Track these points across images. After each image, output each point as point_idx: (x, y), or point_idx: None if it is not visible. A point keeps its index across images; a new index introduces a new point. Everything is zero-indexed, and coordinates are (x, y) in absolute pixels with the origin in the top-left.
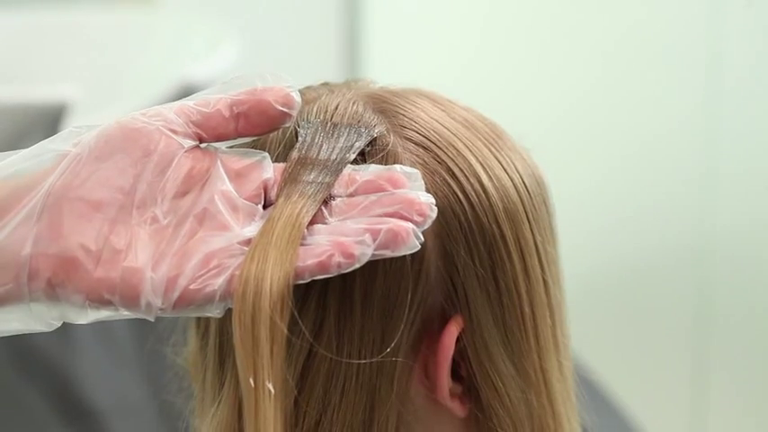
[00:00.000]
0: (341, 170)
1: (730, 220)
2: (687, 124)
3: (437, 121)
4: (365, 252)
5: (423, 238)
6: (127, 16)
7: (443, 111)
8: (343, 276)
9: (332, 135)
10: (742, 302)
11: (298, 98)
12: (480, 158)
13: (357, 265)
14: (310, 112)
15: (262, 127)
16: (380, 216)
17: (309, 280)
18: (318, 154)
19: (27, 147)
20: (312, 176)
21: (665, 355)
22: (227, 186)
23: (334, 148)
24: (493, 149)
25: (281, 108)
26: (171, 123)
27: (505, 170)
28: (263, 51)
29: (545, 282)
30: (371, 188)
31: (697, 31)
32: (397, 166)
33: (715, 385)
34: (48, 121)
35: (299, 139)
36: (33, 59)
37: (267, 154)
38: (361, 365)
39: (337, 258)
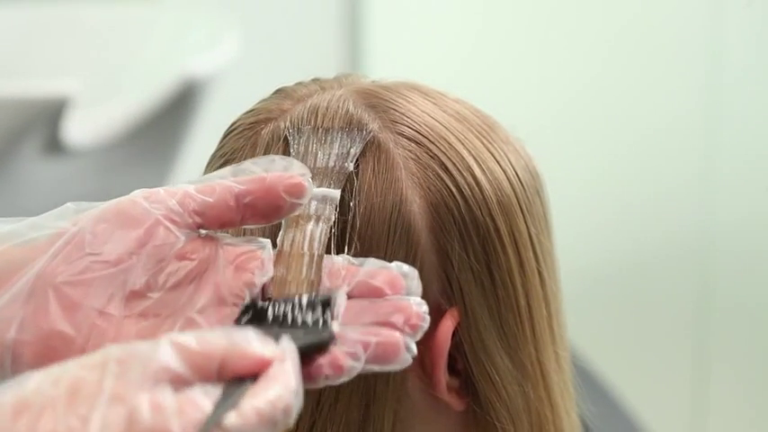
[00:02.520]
0: (342, 181)
1: (730, 214)
2: (688, 118)
3: (429, 114)
4: (354, 366)
5: (416, 352)
6: (128, 10)
7: (435, 104)
8: None
9: (325, 141)
10: (742, 296)
11: (309, 186)
12: (473, 151)
13: (344, 379)
14: (302, 113)
15: (269, 217)
16: (373, 323)
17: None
18: (315, 163)
19: (28, 141)
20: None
21: (666, 348)
22: (222, 286)
23: (330, 155)
24: (485, 142)
25: (291, 200)
26: (171, 213)
27: (498, 163)
28: (264, 46)
29: (540, 273)
30: (368, 292)
31: (697, 26)
32: (395, 264)
33: (715, 379)
34: (48, 115)
35: (292, 151)
36: (34, 54)
37: (268, 243)
38: None
39: (326, 371)
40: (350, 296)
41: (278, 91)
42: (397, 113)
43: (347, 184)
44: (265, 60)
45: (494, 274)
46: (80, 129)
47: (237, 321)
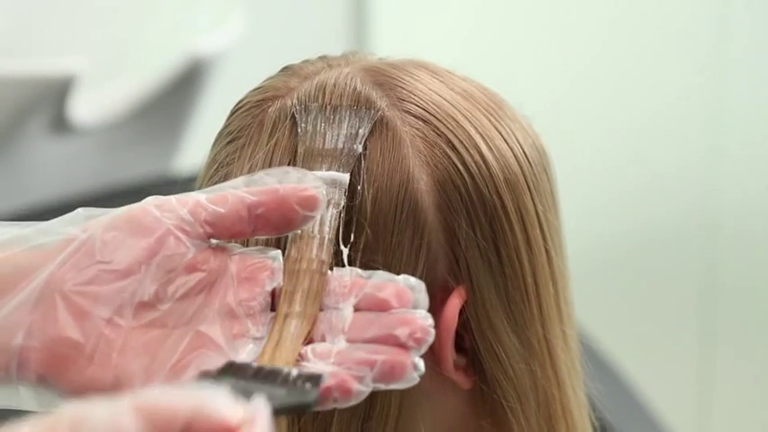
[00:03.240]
0: (351, 164)
1: (736, 194)
2: (694, 96)
3: (436, 92)
4: (362, 390)
5: (423, 370)
6: None
7: (442, 82)
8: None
9: (333, 120)
10: (748, 276)
11: (322, 198)
12: (480, 129)
13: (352, 402)
14: (309, 91)
15: (280, 229)
16: (378, 336)
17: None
18: (324, 144)
19: (34, 120)
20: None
21: (672, 328)
22: (231, 298)
23: (338, 136)
24: (492, 120)
25: (304, 212)
26: (182, 222)
27: (505, 140)
28: (271, 24)
29: (547, 251)
30: (375, 304)
31: (702, 4)
32: (402, 277)
33: (722, 358)
34: (54, 94)
35: (299, 130)
36: (40, 32)
37: (279, 254)
38: None
39: (335, 394)
40: (356, 309)
41: (285, 68)
42: (405, 91)
43: (355, 165)
44: (272, 39)
45: (501, 251)
46: (86, 107)
47: (217, 373)
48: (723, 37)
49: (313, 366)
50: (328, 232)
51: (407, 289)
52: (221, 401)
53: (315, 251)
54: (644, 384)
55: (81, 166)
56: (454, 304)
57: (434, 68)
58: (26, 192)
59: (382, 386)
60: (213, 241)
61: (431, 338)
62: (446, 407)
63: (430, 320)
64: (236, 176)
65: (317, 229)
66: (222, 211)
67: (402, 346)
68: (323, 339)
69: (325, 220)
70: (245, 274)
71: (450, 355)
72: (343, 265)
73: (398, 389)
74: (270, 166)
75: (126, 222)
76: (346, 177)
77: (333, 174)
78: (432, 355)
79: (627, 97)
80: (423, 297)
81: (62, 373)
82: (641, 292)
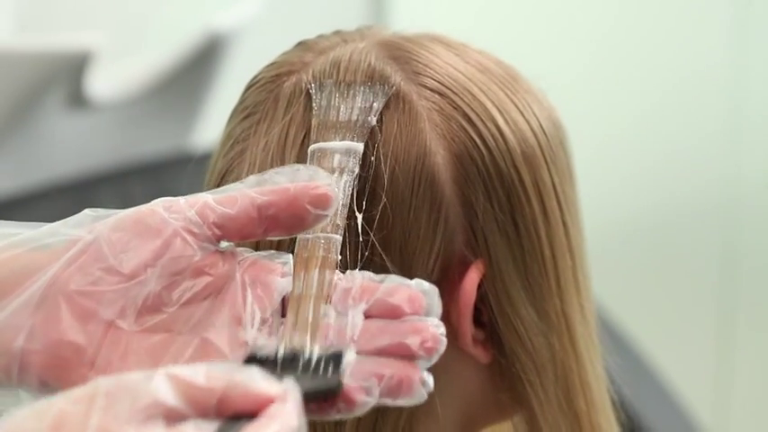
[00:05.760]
0: (365, 134)
1: (757, 169)
2: (714, 70)
3: (452, 66)
4: (368, 401)
5: (432, 387)
6: None
7: (458, 55)
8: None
9: (347, 95)
10: (767, 252)
11: (335, 197)
12: (496, 102)
13: (357, 413)
14: (324, 66)
15: (292, 229)
16: (389, 345)
17: None
18: (338, 117)
19: (51, 95)
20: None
21: (691, 303)
22: (239, 304)
23: (352, 109)
24: (509, 93)
25: (316, 211)
26: (190, 224)
27: (522, 113)
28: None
29: (564, 224)
30: (387, 310)
31: None
32: (415, 281)
33: (740, 332)
34: (72, 69)
35: (315, 106)
36: (58, 7)
37: (290, 258)
38: None
39: (339, 405)
40: (368, 315)
41: (300, 44)
42: (420, 65)
43: (370, 139)
44: (289, 15)
45: (518, 224)
46: (103, 83)
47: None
48: (742, 11)
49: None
50: (342, 198)
51: (420, 294)
52: (258, 376)
53: (329, 218)
54: (662, 360)
55: (98, 142)
56: (472, 278)
57: (450, 42)
58: (43, 167)
59: (389, 401)
60: (223, 244)
61: (442, 348)
62: (464, 381)
63: (442, 329)
64: (251, 152)
65: None
66: (231, 212)
67: (412, 355)
68: (331, 345)
69: (339, 186)
70: (255, 279)
71: (468, 329)
72: (357, 231)
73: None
74: (285, 141)
75: (133, 223)
76: (360, 146)
77: (347, 143)
78: (450, 330)
79: (645, 69)
80: (436, 302)
81: (64, 377)
82: (660, 267)
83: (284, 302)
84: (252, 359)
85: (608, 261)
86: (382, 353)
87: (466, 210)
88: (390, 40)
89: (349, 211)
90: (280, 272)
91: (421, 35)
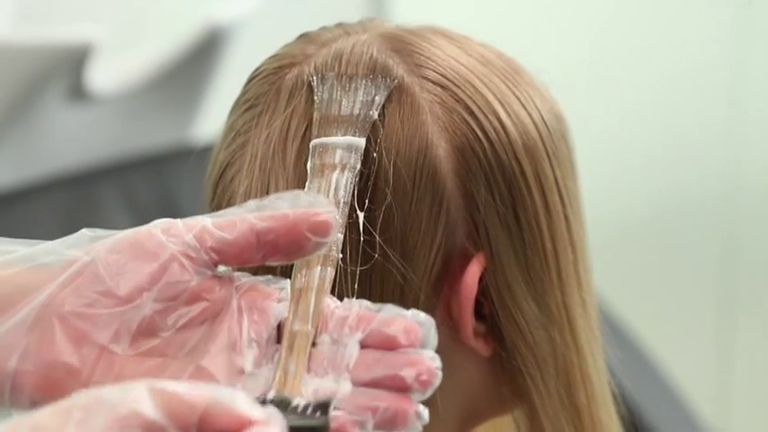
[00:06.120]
0: (367, 129)
1: (759, 159)
2: (715, 61)
3: (454, 58)
4: None
5: (426, 420)
6: None
7: (460, 48)
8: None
9: (349, 89)
10: None
11: (336, 224)
12: (498, 95)
13: None
14: (326, 59)
15: (291, 255)
16: (383, 377)
17: None
18: (339, 111)
19: (51, 88)
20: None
21: (692, 295)
22: (236, 330)
23: (354, 102)
24: (510, 85)
25: (316, 239)
26: (188, 248)
27: (524, 106)
28: None
29: (566, 217)
30: (382, 340)
31: None
32: (411, 312)
33: (741, 324)
34: (72, 62)
35: (316, 98)
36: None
37: (288, 284)
38: None
39: None
40: (363, 345)
41: (302, 36)
42: (422, 57)
43: (372, 133)
44: (290, 7)
45: (520, 217)
46: (104, 76)
47: None
48: (743, 3)
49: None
50: (344, 196)
51: (416, 325)
52: (242, 398)
53: None
54: (662, 352)
55: (98, 135)
56: (474, 271)
57: (452, 34)
58: (43, 160)
59: None
60: (221, 268)
61: (437, 381)
62: (465, 374)
63: (438, 362)
64: (253, 144)
65: (331, 193)
66: (229, 237)
67: (407, 387)
68: (326, 373)
69: (341, 184)
70: (252, 305)
71: (469, 322)
72: (358, 228)
73: None
74: (287, 133)
75: (130, 246)
76: (362, 141)
77: (348, 138)
78: (451, 322)
79: (645, 61)
80: (432, 334)
81: (56, 398)
82: (660, 260)
83: (279, 329)
84: None
85: (607, 253)
86: (377, 384)
87: (467, 202)
88: (393, 33)
89: (350, 208)
90: (276, 297)
91: (423, 28)
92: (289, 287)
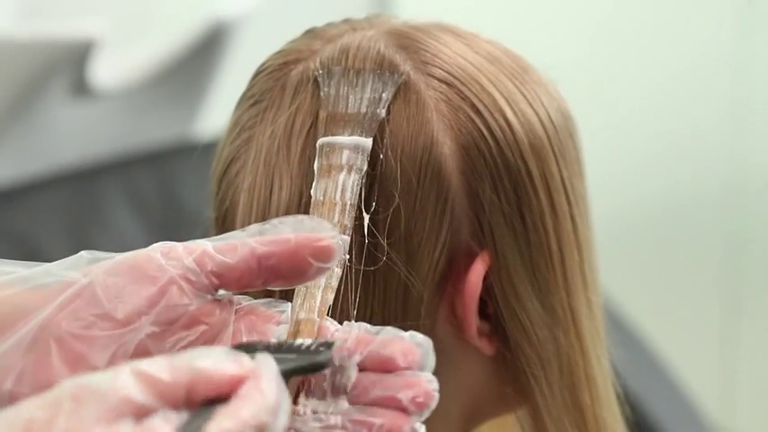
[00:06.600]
0: (374, 128)
1: (764, 154)
2: (719, 56)
3: (460, 55)
4: None
5: None
6: None
7: (467, 45)
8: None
9: (356, 84)
10: None
11: (338, 248)
12: (504, 93)
13: None
14: (332, 54)
15: (293, 280)
16: (380, 398)
17: None
18: (347, 108)
19: (54, 83)
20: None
21: (696, 292)
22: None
23: (361, 100)
24: (517, 83)
25: (318, 264)
26: (187, 272)
27: (530, 104)
28: None
29: (572, 217)
30: (381, 362)
31: None
32: (409, 334)
33: (745, 322)
34: (75, 57)
35: (322, 94)
36: None
37: (288, 307)
38: (386, 306)
39: None
40: (362, 368)
41: (308, 31)
42: (429, 54)
43: (378, 130)
44: (292, 3)
45: (525, 217)
46: (107, 71)
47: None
48: None
49: (308, 429)
50: (350, 198)
51: (414, 347)
52: (221, 358)
53: (337, 216)
54: (667, 350)
55: (101, 131)
56: (478, 270)
57: (459, 31)
58: (46, 155)
59: None
60: (221, 292)
61: (434, 404)
62: (469, 373)
63: (435, 384)
64: (258, 140)
65: (338, 195)
66: (230, 261)
67: (404, 409)
68: (323, 395)
69: (347, 185)
70: (252, 328)
71: (473, 321)
72: (363, 231)
73: None
74: (292, 129)
75: (129, 269)
76: (369, 142)
77: (356, 139)
78: (455, 321)
79: (651, 58)
80: (430, 356)
81: None
82: (664, 256)
83: None
84: (242, 346)
85: (611, 251)
86: (374, 405)
87: (472, 201)
88: (399, 29)
89: (357, 210)
90: (276, 320)
91: (430, 24)
92: (289, 310)
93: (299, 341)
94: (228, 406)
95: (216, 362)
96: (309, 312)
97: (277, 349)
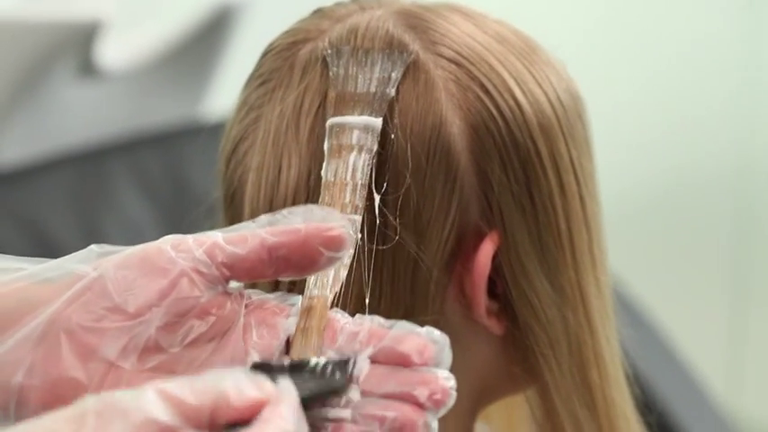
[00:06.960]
0: (384, 108)
1: None
2: (726, 36)
3: (469, 35)
4: None
5: (435, 430)
6: None
7: (476, 25)
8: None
9: (365, 64)
10: None
11: (349, 238)
12: (514, 73)
13: None
14: (341, 33)
15: (304, 271)
16: (395, 394)
17: None
18: (356, 88)
19: (61, 64)
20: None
21: (704, 272)
22: (245, 347)
23: (371, 80)
24: (526, 64)
25: (329, 254)
26: (198, 264)
27: (539, 84)
28: None
29: (581, 197)
30: (394, 358)
31: None
32: (425, 330)
33: (755, 301)
34: (82, 38)
35: (331, 74)
36: None
37: (299, 300)
38: (395, 285)
39: None
40: (374, 360)
41: (317, 11)
42: (438, 34)
43: (388, 111)
44: None
45: (534, 197)
46: (114, 52)
47: None
48: None
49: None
50: (361, 178)
51: (430, 343)
52: (244, 382)
53: (348, 197)
54: (675, 332)
55: (108, 111)
56: (487, 249)
57: (468, 11)
58: (53, 137)
59: None
60: (233, 284)
61: (451, 402)
62: (478, 353)
63: (452, 382)
64: (266, 119)
65: (349, 175)
66: (241, 252)
67: (420, 406)
68: None
69: (358, 166)
70: (261, 321)
71: (482, 300)
72: (373, 210)
73: None
74: (300, 109)
75: (139, 261)
76: (379, 122)
77: (365, 119)
78: (464, 301)
79: (658, 38)
80: (446, 353)
81: None
82: (673, 237)
83: (288, 342)
84: (258, 366)
85: (619, 232)
86: (388, 398)
87: (481, 181)
88: (408, 9)
89: (368, 191)
90: (286, 313)
91: (439, 4)
92: (299, 303)
93: (313, 360)
94: (250, 429)
95: (239, 384)
96: (322, 289)
97: (292, 369)
